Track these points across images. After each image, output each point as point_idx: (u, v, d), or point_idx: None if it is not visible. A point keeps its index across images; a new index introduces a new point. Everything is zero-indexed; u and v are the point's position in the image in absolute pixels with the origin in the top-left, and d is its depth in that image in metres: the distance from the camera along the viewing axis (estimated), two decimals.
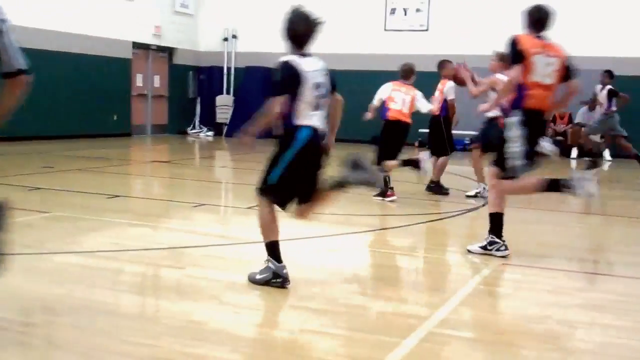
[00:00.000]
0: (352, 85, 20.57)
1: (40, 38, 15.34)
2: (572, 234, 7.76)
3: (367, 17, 21.06)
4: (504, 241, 6.06)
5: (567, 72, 6.21)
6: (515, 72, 6.00)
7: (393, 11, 21.08)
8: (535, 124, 6.07)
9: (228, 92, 22.60)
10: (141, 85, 21.07)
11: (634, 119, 17.89)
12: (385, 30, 21.01)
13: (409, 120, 9.56)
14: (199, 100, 22.80)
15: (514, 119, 6.03)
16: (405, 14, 20.96)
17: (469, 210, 8.68)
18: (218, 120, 22.39)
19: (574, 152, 17.85)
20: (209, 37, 22.75)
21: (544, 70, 6.06)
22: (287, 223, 7.82)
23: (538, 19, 6.32)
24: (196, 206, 8.45)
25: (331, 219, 8.05)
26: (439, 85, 10.43)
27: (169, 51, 22.00)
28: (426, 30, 20.57)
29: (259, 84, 21.32)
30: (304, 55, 4.92)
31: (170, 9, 21.59)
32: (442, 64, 10.43)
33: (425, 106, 9.73)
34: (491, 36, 19.67)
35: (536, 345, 3.88)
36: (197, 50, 22.84)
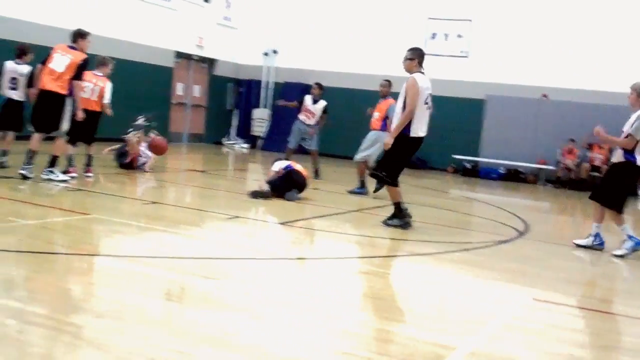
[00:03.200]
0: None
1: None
2: (603, 273, 7.73)
3: (407, 41, 21.08)
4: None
5: (77, 70, 9.57)
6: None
7: (434, 36, 21.13)
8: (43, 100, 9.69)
9: (265, 106, 22.81)
10: (181, 94, 21.36)
11: None
12: (425, 54, 21.00)
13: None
14: (236, 112, 23.04)
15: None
16: (446, 39, 20.99)
17: (502, 242, 8.67)
18: (253, 133, 22.61)
19: None
20: (250, 50, 23.00)
21: (60, 62, 9.58)
22: (320, 243, 7.92)
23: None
24: (230, 218, 8.56)
25: (364, 241, 8.11)
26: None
27: (210, 62, 22.28)
28: (466, 56, 20.59)
29: (296, 99, 21.55)
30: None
31: (214, 21, 21.88)
32: None
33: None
34: (530, 65, 19.71)
35: None
36: (237, 63, 23.11)
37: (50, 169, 9.68)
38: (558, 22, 19.63)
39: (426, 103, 8.68)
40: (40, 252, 6.01)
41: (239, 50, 23.08)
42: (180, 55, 20.83)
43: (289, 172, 10.48)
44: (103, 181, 10.75)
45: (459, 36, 20.86)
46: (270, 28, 22.71)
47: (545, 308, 5.70)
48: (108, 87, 10.81)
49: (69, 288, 5.00)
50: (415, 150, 8.76)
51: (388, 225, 8.68)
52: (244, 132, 22.82)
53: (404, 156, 8.73)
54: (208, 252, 6.69)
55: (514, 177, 19.68)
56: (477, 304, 5.81)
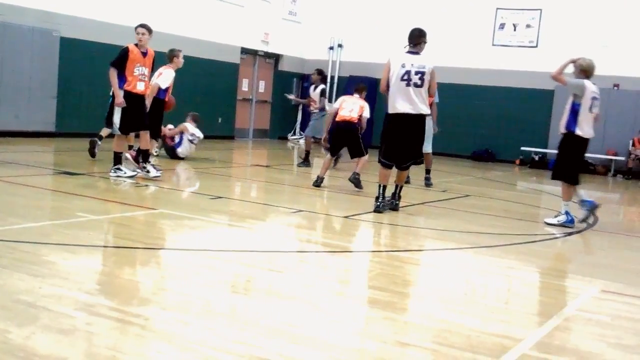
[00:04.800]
0: (458, 99, 20.46)
1: (157, 40, 15.92)
2: None
3: (475, 32, 20.89)
4: None
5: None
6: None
7: (502, 26, 20.83)
8: (135, 100, 9.80)
9: (330, 100, 22.78)
10: (246, 90, 21.56)
11: None
12: (493, 45, 20.78)
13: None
14: (301, 107, 23.12)
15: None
16: (515, 30, 20.67)
17: (568, 234, 8.52)
18: None
19: None
20: (315, 45, 23.06)
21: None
22: (383, 236, 7.91)
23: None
24: (294, 212, 8.61)
25: (427, 234, 8.07)
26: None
27: (276, 58, 22.42)
28: (535, 46, 20.22)
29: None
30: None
31: (279, 16, 22.01)
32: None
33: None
34: (600, 54, 19.22)
35: None
36: (302, 58, 23.19)
37: (116, 167, 9.89)
38: (629, 10, 19.12)
39: (403, 80, 8.60)
40: (108, 246, 6.17)
41: (304, 45, 23.16)
42: (245, 51, 21.02)
43: (332, 133, 11.13)
44: (169, 176, 10.93)
45: (528, 26, 20.51)
46: (335, 22, 22.73)
47: (613, 299, 5.57)
48: (162, 75, 11.05)
49: (137, 281, 5.11)
50: (400, 128, 8.70)
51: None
52: None
53: (388, 134, 8.82)
54: (272, 245, 6.75)
55: (583, 168, 19.24)
56: (543, 296, 5.74)
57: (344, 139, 10.94)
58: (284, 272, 5.68)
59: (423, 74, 8.58)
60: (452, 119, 19.40)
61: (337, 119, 10.96)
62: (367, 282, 5.69)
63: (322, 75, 14.46)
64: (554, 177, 9.09)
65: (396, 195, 9.02)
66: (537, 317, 4.90)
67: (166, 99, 11.14)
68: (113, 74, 9.72)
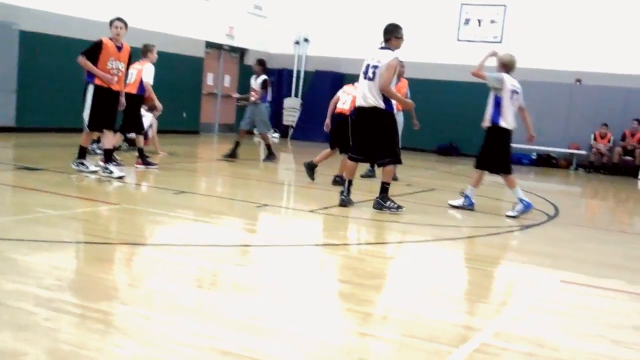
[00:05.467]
0: (422, 94, 20.52)
1: None
2: (633, 256, 7.64)
3: (440, 27, 21.01)
4: None
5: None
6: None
7: (467, 22, 21.00)
8: (106, 97, 9.60)
9: (296, 95, 22.83)
10: (211, 84, 21.46)
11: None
12: (458, 40, 20.93)
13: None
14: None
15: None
16: (479, 25, 20.85)
17: (530, 226, 8.63)
18: (285, 123, 22.65)
19: None
20: (280, 39, 23.02)
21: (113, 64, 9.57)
22: (348, 230, 7.94)
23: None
24: (259, 206, 8.60)
25: (392, 227, 8.11)
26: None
27: (241, 52, 22.35)
28: (500, 42, 20.39)
29: (328, 87, 21.52)
30: None
31: (244, 10, 21.94)
32: None
33: None
34: (564, 50, 19.47)
35: None
36: (268, 52, 23.13)
37: (79, 161, 9.77)
38: (591, 7, 19.38)
39: (363, 73, 8.62)
40: (69, 242, 6.11)
41: (269, 39, 23.10)
42: (210, 45, 20.93)
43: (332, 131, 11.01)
44: (132, 171, 10.85)
45: (493, 22, 20.71)
46: (301, 16, 22.72)
47: (572, 289, 5.67)
48: (144, 71, 11.36)
49: (98, 276, 5.06)
50: (358, 121, 8.75)
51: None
52: (275, 122, 22.83)
53: (351, 131, 9.09)
54: (237, 239, 6.75)
55: (546, 162, 19.53)
56: (503, 287, 5.82)
57: (338, 131, 10.83)
58: (248, 266, 5.69)
59: (376, 67, 8.47)
60: (418, 113, 19.25)
61: (335, 111, 10.95)
62: (330, 275, 5.71)
63: (263, 66, 14.37)
64: (480, 168, 9.42)
65: (379, 193, 8.76)
66: (497, 307, 4.96)
67: (145, 95, 11.26)
68: (85, 61, 9.44)
